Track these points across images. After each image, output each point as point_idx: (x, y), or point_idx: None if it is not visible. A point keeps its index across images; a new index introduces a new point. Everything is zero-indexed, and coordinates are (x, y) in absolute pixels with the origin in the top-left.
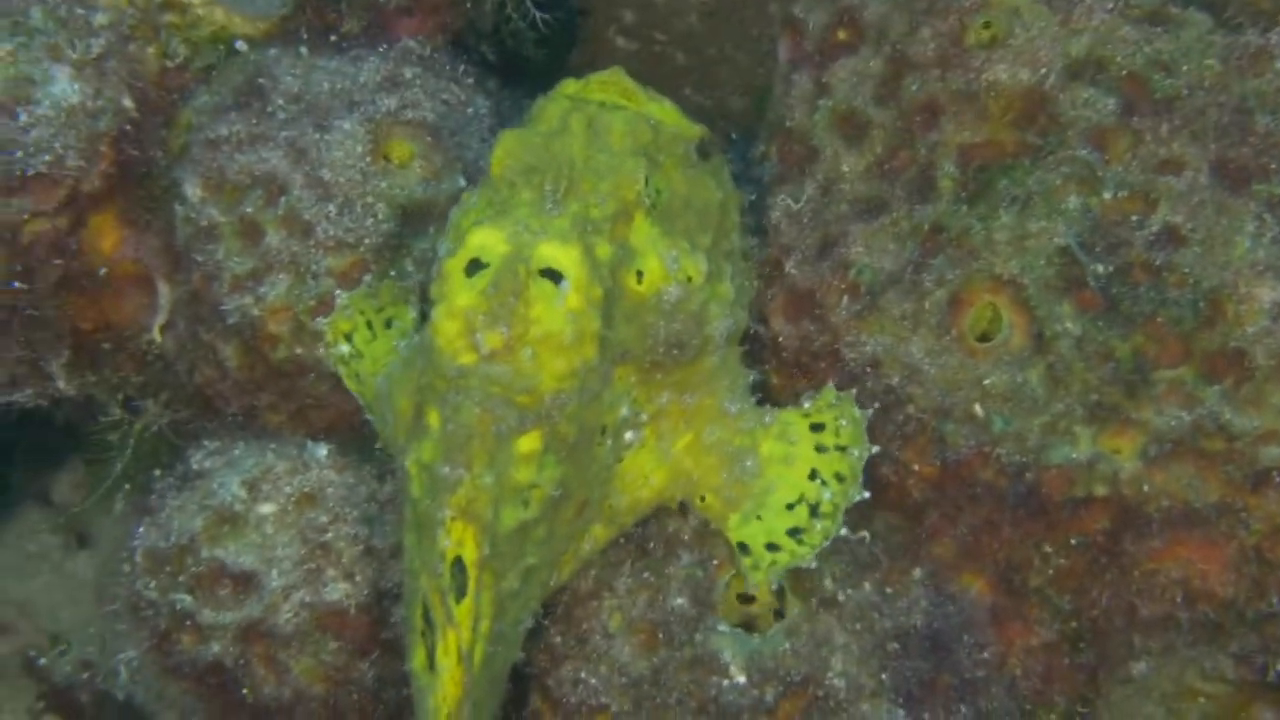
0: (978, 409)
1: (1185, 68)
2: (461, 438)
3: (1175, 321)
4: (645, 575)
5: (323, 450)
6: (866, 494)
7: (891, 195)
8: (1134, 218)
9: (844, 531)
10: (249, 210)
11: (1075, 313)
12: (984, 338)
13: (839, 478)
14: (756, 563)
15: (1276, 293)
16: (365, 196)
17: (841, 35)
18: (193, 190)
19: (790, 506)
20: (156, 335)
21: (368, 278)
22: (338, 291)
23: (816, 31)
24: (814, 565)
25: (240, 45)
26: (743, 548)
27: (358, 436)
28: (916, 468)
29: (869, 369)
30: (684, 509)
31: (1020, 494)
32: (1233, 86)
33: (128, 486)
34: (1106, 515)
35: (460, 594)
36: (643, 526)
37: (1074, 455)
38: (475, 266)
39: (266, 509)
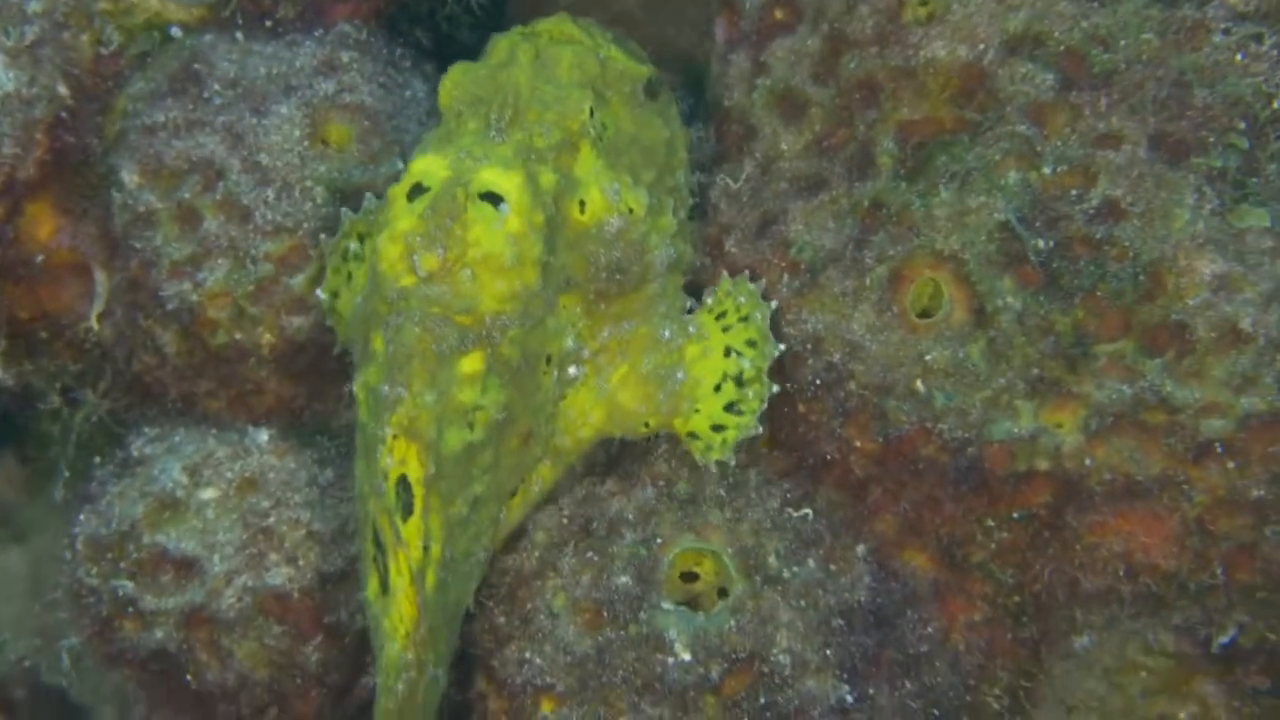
0: (919, 385)
1: (1123, 42)
2: (402, 357)
3: (1115, 295)
4: (589, 555)
5: (264, 435)
6: (782, 347)
7: (831, 173)
8: (1073, 192)
9: (789, 511)
10: (187, 196)
11: (1016, 287)
12: (925, 314)
13: (750, 344)
14: (709, 444)
15: (1216, 265)
16: (304, 180)
17: (778, 14)
18: (130, 177)
19: (718, 388)
20: (94, 323)
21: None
22: (344, 210)
23: (753, 11)
24: (760, 431)
25: (175, 31)
26: (692, 436)
27: (298, 421)
28: (858, 444)
29: (810, 346)
30: (624, 480)
31: (962, 469)
32: (1170, 60)
33: (67, 474)
34: (1048, 489)
35: (407, 512)
36: (586, 507)
37: (1015, 430)
38: (417, 192)
39: (208, 494)
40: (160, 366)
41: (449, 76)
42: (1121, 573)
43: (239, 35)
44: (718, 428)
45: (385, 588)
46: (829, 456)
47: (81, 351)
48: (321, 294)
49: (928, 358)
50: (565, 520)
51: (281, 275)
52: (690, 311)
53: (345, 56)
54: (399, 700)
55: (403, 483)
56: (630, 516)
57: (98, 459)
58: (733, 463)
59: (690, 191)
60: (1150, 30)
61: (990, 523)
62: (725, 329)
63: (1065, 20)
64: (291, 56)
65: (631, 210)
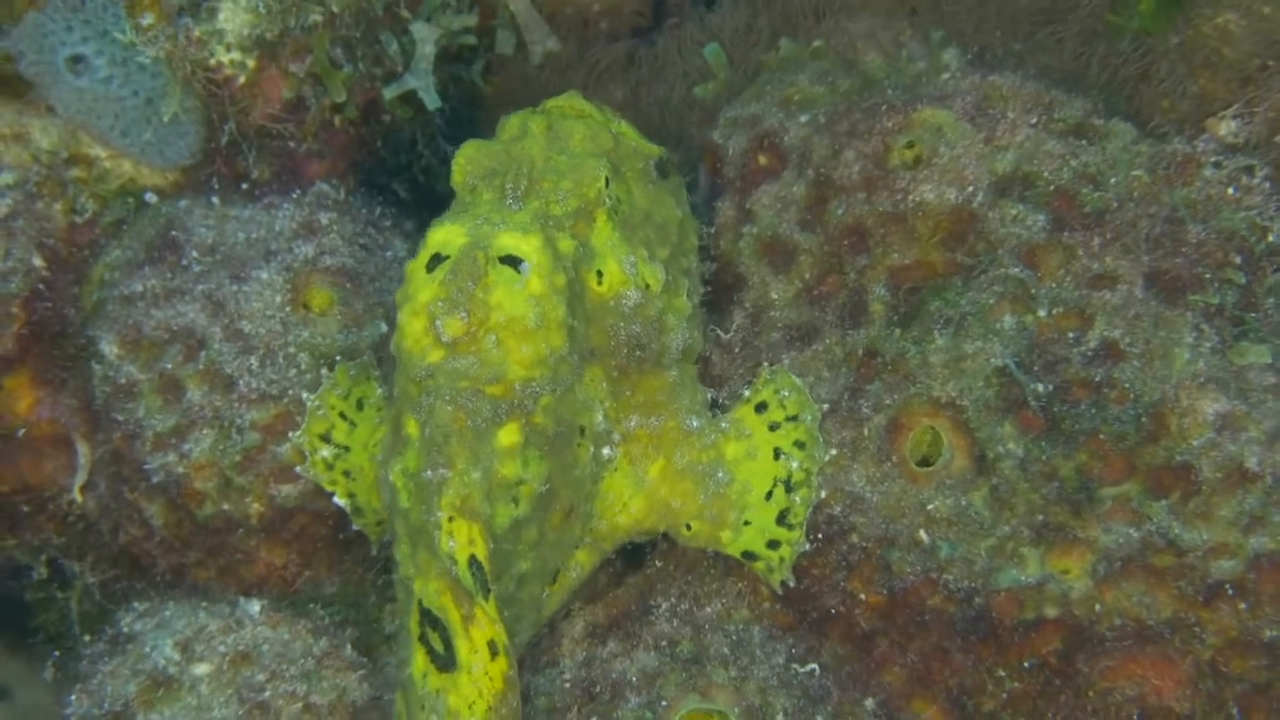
0: (923, 535)
1: (1113, 180)
2: (439, 438)
3: (1118, 438)
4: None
5: (255, 606)
6: (833, 451)
7: (822, 321)
8: (1071, 334)
9: (795, 667)
10: (168, 366)
11: (1017, 433)
12: (925, 462)
13: (799, 445)
14: (769, 565)
15: (1219, 404)
16: (287, 347)
17: (762, 160)
18: (109, 348)
19: (769, 495)
20: (77, 496)
21: (323, 371)
22: (305, 395)
23: (737, 157)
24: (809, 547)
25: (150, 197)
26: (749, 555)
27: (290, 590)
28: (863, 597)
29: None
30: (625, 641)
31: (970, 619)
32: (1162, 196)
33: (57, 654)
34: (1058, 636)
35: (485, 591)
36: (588, 670)
37: (1022, 577)
38: (436, 262)
39: (201, 670)
40: (147, 539)
41: (462, 153)
42: (1135, 718)
43: (215, 199)
44: (773, 544)
45: (445, 664)
46: (833, 610)
47: (65, 524)
48: (340, 502)
49: (930, 507)
50: (567, 684)
51: (268, 444)
52: (714, 403)
53: (324, 218)
54: None
55: (474, 563)
56: (634, 679)
57: (87, 636)
58: (791, 583)
59: (702, 279)
60: (1140, 166)
61: (1000, 672)
62: (772, 427)
63: (1054, 159)
64: (270, 220)
65: (648, 285)
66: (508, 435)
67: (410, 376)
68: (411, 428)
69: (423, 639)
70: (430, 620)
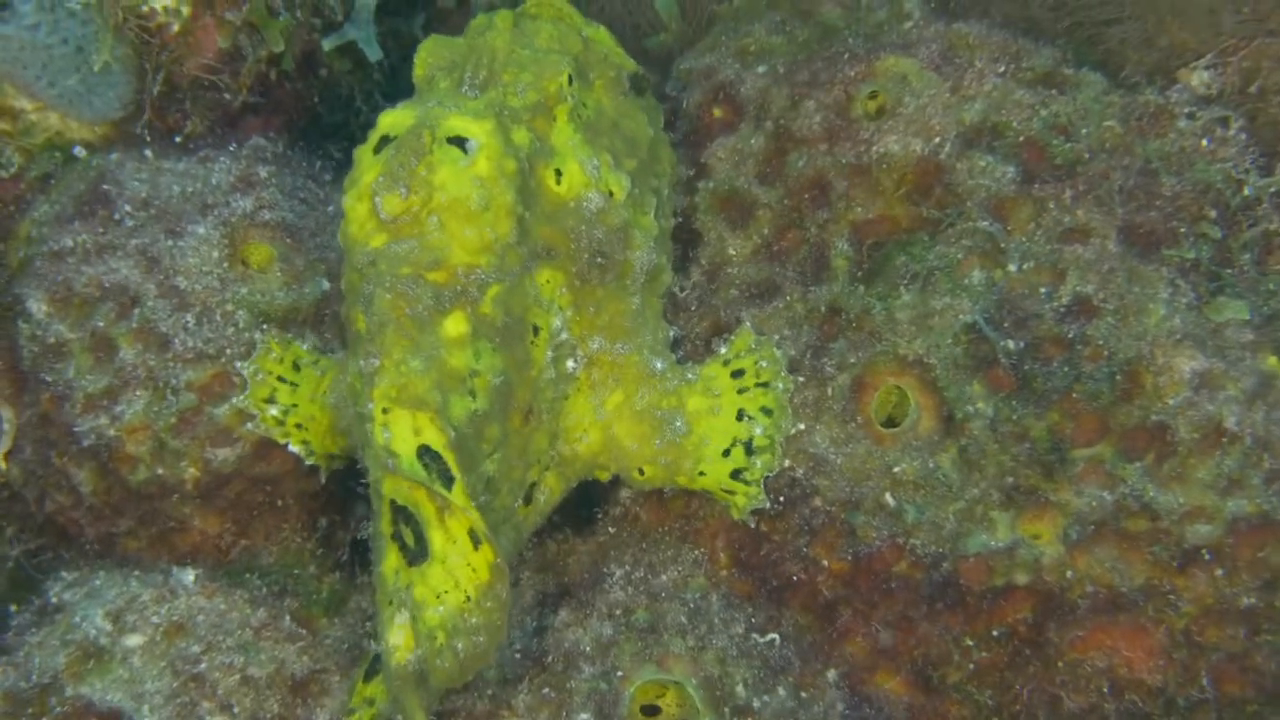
0: (888, 498)
1: (1085, 131)
2: (376, 327)
3: (1092, 397)
4: (545, 691)
5: (189, 576)
6: (801, 425)
7: (783, 278)
8: (1042, 290)
9: (755, 636)
10: (100, 324)
11: (986, 392)
12: (891, 422)
13: (765, 411)
14: (725, 504)
15: (1196, 362)
16: (224, 304)
17: (717, 113)
18: (38, 306)
19: (726, 453)
20: (1, 463)
21: (258, 335)
22: (238, 363)
23: (690, 110)
24: (769, 505)
25: (79, 151)
26: (706, 491)
27: (225, 560)
28: (826, 564)
29: None
30: (579, 610)
31: (937, 585)
32: (1135, 148)
33: None
34: (1028, 604)
35: (447, 480)
36: (539, 638)
37: (992, 543)
38: (385, 144)
39: (133, 641)
40: (75, 506)
41: (424, 46)
42: (1105, 690)
43: (148, 153)
44: (727, 491)
45: (415, 557)
46: (795, 577)
47: None
48: (294, 448)
49: (896, 469)
50: (518, 655)
51: (205, 405)
52: (676, 342)
53: (263, 171)
54: (459, 660)
55: (428, 454)
56: (587, 649)
57: (13, 607)
58: (752, 525)
59: (674, 211)
60: (1112, 117)
61: (968, 642)
62: (741, 390)
63: (1023, 109)
64: (206, 173)
65: (612, 194)
66: (454, 325)
67: (354, 265)
68: (360, 323)
69: (395, 536)
70: (404, 516)
